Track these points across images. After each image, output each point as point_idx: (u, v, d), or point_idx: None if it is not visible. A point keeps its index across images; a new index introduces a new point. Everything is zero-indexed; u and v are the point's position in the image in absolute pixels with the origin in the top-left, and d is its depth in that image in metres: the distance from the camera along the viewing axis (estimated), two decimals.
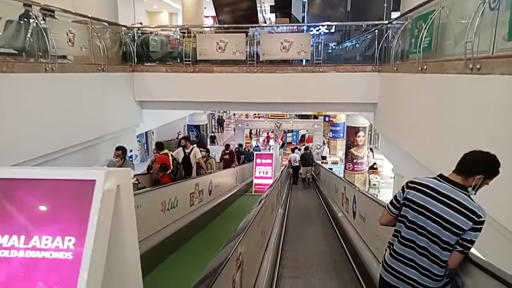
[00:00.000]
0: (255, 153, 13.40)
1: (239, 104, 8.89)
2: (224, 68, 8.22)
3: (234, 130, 23.65)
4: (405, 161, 6.58)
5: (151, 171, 7.01)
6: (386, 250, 2.20)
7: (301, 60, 8.34)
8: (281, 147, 22.45)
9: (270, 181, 11.51)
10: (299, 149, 16.59)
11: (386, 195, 15.80)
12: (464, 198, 1.95)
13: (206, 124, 17.85)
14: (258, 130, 27.60)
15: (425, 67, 4.96)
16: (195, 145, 8.45)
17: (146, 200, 4.54)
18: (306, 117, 24.32)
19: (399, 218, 2.13)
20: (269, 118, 21.63)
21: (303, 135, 25.45)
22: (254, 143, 24.93)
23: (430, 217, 1.97)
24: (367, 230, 4.34)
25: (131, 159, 21.05)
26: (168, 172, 6.49)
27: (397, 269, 2.06)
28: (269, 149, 22.11)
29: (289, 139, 26.41)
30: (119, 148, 5.72)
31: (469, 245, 1.92)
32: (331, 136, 23.87)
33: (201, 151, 8.13)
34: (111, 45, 7.93)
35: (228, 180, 10.21)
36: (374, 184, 16.38)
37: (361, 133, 16.25)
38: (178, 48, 8.58)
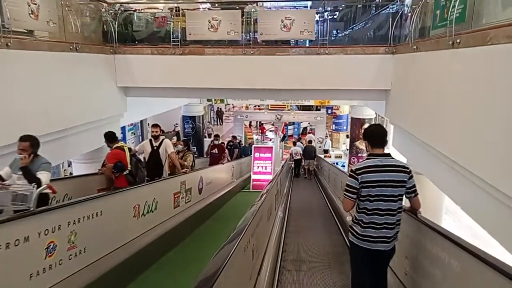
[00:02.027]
0: (253, 146, 12.48)
1: (234, 91, 7.93)
2: (217, 50, 7.25)
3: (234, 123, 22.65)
4: (423, 156, 5.66)
5: (101, 172, 5.40)
6: (354, 226, 2.71)
7: (304, 41, 7.37)
8: (282, 140, 21.48)
9: (269, 177, 10.66)
10: (300, 140, 15.76)
11: None
12: (396, 161, 2.67)
13: (203, 116, 16.88)
14: (257, 123, 26.60)
15: (458, 41, 4.01)
16: (175, 138, 7.33)
17: (110, 205, 3.62)
18: (308, 108, 23.41)
19: (361, 197, 2.61)
20: (269, 109, 20.64)
21: (305, 128, 24.49)
22: (255, 137, 23.89)
23: (386, 185, 2.56)
24: None
25: None
26: (125, 173, 4.92)
27: (372, 235, 2.58)
28: (262, 141, 21.07)
29: (290, 132, 25.46)
30: (25, 138, 3.74)
31: (415, 188, 2.68)
32: (333, 128, 22.94)
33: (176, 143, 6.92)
34: (87, 22, 6.98)
35: (223, 175, 9.30)
36: None
37: (366, 125, 15.28)
38: (165, 26, 7.60)
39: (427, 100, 5.07)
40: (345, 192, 2.67)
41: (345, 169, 14.97)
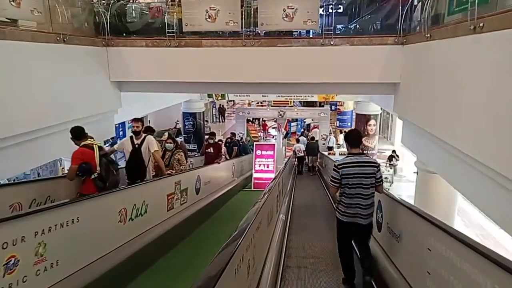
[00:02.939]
0: (255, 143, 12.06)
1: (233, 85, 7.52)
2: (215, 41, 6.83)
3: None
4: (438, 154, 5.24)
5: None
6: (338, 205, 3.60)
7: (308, 31, 6.94)
8: (285, 137, 21.04)
9: (271, 175, 10.27)
10: (304, 133, 15.37)
11: (398, 190, 14.44)
12: (367, 159, 3.57)
13: (203, 112, 16.47)
14: (260, 119, 26.13)
15: (480, 25, 3.57)
16: (166, 134, 6.74)
17: (89, 210, 3.22)
18: (312, 104, 22.96)
19: (342, 185, 3.47)
20: (272, 106, 20.15)
21: (308, 125, 24.03)
22: (260, 135, 23.46)
23: (360, 177, 3.40)
24: (407, 258, 3.00)
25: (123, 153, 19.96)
26: (93, 177, 4.14)
27: (350, 212, 3.46)
28: (265, 138, 20.57)
29: (293, 129, 24.98)
30: None
31: (381, 179, 3.50)
32: (338, 125, 22.47)
33: (163, 141, 6.25)
34: (77, 12, 6.59)
35: (223, 174, 8.90)
36: (386, 178, 14.98)
37: (372, 122, 14.85)
38: (160, 17, 7.19)
39: (442, 92, 4.63)
40: (330, 181, 3.57)
41: None
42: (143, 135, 5.20)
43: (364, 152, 3.24)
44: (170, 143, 6.23)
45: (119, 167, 4.85)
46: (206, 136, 11.21)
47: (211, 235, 5.60)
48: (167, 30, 6.84)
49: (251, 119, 24.55)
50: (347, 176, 3.39)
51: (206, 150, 8.71)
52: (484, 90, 3.55)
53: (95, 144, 4.38)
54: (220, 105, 30.96)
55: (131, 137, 5.18)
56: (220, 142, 9.35)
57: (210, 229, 5.96)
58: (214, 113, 30.99)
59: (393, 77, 6.52)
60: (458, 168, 4.51)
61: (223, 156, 9.15)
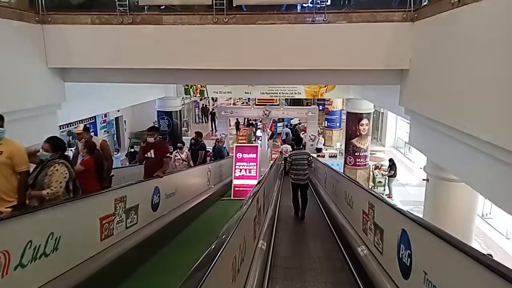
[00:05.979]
0: (235, 145, 10.66)
1: (203, 73, 6.10)
2: (179, 18, 5.43)
3: (217, 119, 20.75)
4: (460, 155, 4.02)
5: None
6: (291, 174, 7.05)
7: (295, 5, 5.62)
8: (270, 138, 19.71)
9: (254, 182, 8.91)
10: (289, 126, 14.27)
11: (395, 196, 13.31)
12: (304, 151, 7.29)
13: (180, 111, 15.02)
14: (245, 119, 24.77)
15: None
16: (81, 126, 5.15)
17: None
18: (298, 103, 21.79)
19: (292, 165, 6.89)
20: (256, 104, 18.78)
21: (295, 125, 22.80)
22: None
23: (300, 160, 6.83)
24: None
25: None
26: None
27: (296, 177, 6.86)
28: (254, 139, 19.19)
29: (279, 130, 23.71)
30: None
31: (311, 161, 7.02)
32: (326, 125, 21.33)
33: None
34: None
35: (195, 182, 7.47)
36: (380, 182, 13.83)
37: (364, 121, 13.69)
38: None
39: (480, 74, 3.37)
40: (287, 163, 7.35)
41: (340, 170, 13.32)
42: None
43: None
44: (46, 150, 3.56)
45: None
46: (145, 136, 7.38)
47: (167, 267, 4.20)
48: (118, 3, 5.42)
49: (241, 124, 23.11)
50: (294, 160, 6.77)
51: (145, 155, 5.54)
52: None
53: None
54: (203, 104, 29.61)
55: None
56: (180, 144, 7.59)
57: (166, 258, 4.54)
58: (197, 113, 29.63)
59: (401, 62, 5.26)
60: (493, 172, 3.30)
61: (184, 163, 7.40)
